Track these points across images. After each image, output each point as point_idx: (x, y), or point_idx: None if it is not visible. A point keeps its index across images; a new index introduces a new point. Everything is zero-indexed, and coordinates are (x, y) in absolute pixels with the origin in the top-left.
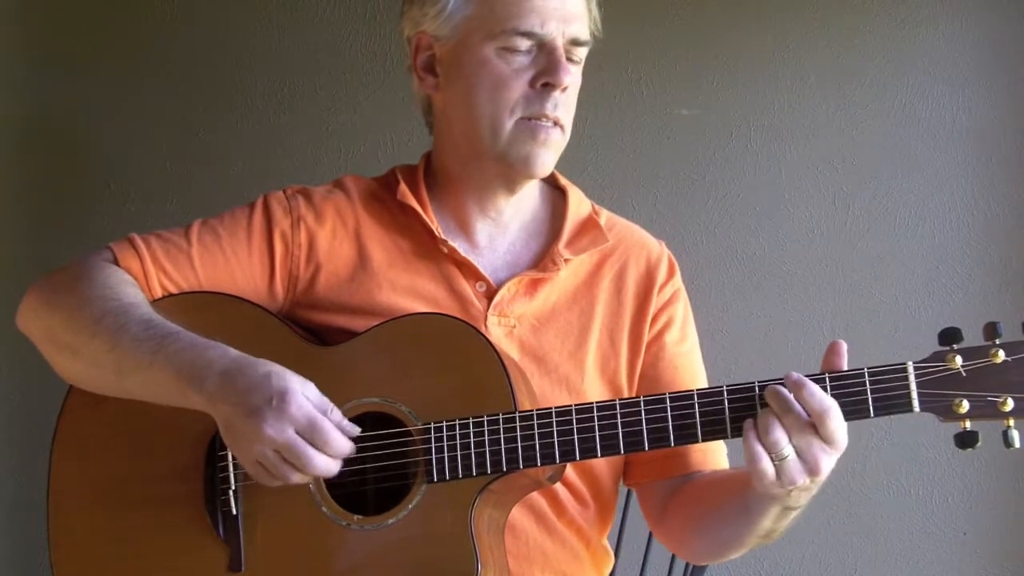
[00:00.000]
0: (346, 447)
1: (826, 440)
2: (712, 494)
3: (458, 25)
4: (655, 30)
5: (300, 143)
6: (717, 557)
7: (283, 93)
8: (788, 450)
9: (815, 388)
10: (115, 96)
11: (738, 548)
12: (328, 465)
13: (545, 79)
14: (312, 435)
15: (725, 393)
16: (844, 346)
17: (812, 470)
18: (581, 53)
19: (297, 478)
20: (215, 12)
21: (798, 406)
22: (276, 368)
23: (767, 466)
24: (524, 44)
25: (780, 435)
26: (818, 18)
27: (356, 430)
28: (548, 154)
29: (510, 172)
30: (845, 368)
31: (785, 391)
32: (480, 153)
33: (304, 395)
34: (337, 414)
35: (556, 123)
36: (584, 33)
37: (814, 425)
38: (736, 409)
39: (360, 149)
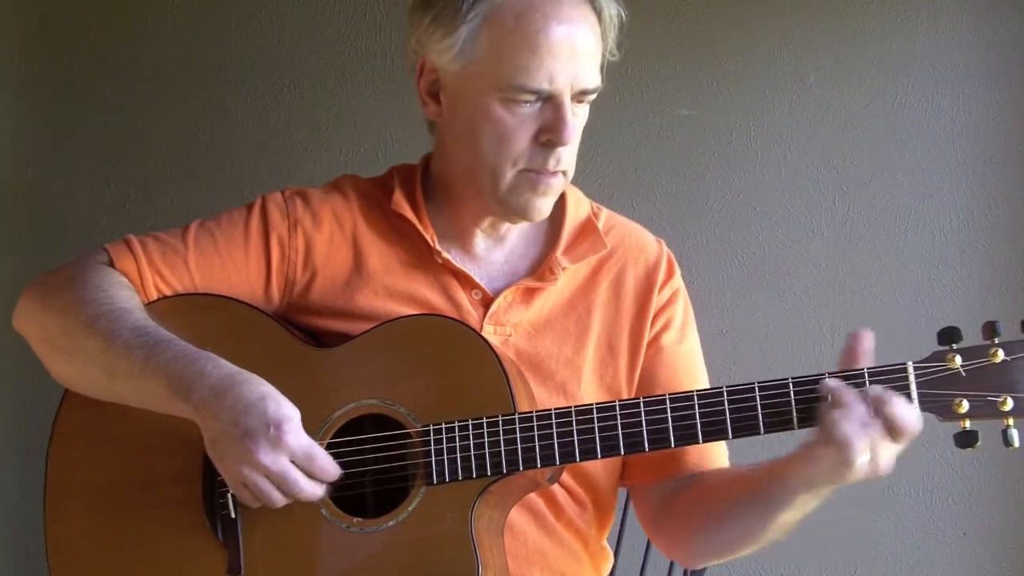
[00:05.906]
0: (336, 473)
1: (897, 443)
2: (731, 489)
3: (466, 66)
4: (655, 30)
5: (300, 143)
6: (720, 557)
7: (283, 93)
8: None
9: (901, 402)
10: (115, 96)
11: (749, 546)
12: (316, 491)
13: (548, 136)
14: (308, 464)
15: (726, 393)
16: (869, 339)
17: (875, 468)
18: (590, 97)
19: (281, 503)
20: (215, 11)
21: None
22: (270, 390)
23: (862, 447)
24: (530, 98)
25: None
26: (818, 18)
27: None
28: (547, 201)
29: (507, 214)
30: (866, 363)
31: (848, 390)
32: (479, 192)
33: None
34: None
35: (557, 172)
36: (594, 80)
37: (889, 431)
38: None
39: (360, 149)
